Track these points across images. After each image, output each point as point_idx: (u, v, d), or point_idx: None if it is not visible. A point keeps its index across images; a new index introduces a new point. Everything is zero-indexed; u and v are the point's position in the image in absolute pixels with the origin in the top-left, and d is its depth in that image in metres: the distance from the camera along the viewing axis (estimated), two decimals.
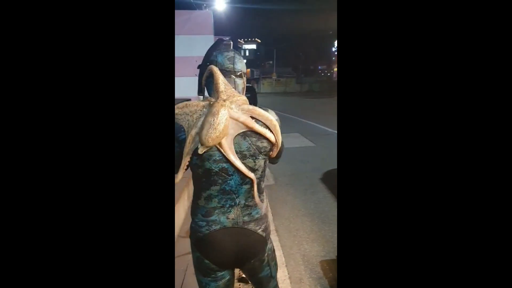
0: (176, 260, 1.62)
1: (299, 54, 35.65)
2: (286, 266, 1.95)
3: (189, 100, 5.59)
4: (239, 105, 0.81)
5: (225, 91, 0.80)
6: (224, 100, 0.79)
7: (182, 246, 1.75)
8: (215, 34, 7.82)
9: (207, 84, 0.87)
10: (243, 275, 1.65)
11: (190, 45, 7.32)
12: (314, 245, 2.20)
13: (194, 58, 7.25)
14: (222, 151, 0.79)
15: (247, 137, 0.82)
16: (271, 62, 34.22)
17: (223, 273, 0.91)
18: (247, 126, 0.80)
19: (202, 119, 0.79)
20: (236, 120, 0.79)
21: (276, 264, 1.01)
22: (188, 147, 0.79)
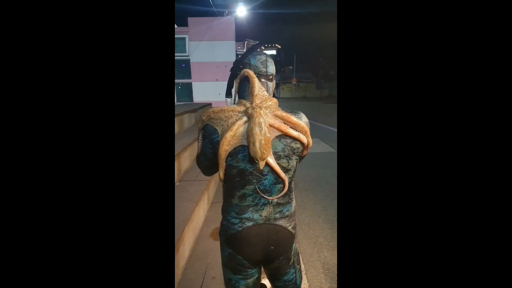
0: (195, 262, 1.62)
1: (319, 59, 35.39)
2: (305, 273, 1.90)
3: (209, 104, 5.68)
4: (273, 110, 0.84)
5: (259, 94, 0.84)
6: (260, 107, 0.83)
7: (202, 249, 1.75)
8: (236, 40, 7.95)
9: (240, 87, 0.90)
10: (262, 282, 1.63)
11: (212, 51, 7.48)
12: (334, 253, 2.14)
13: (215, 63, 7.40)
14: None
15: (282, 139, 0.85)
16: (291, 67, 34.20)
17: (253, 271, 0.93)
18: (282, 131, 0.84)
19: (239, 123, 0.83)
20: (272, 126, 0.83)
21: (300, 271, 1.01)
22: (222, 149, 0.82)
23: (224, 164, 0.84)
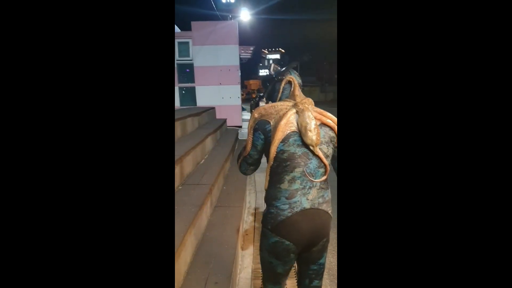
0: (197, 268, 1.60)
1: (323, 63, 35.41)
2: None
3: (213, 108, 5.68)
4: (312, 107, 1.05)
5: (299, 94, 1.08)
6: (302, 103, 1.04)
7: (204, 254, 1.73)
8: (240, 44, 7.97)
9: (284, 90, 1.14)
10: None
11: (215, 55, 7.51)
12: None
13: (219, 67, 7.43)
14: None
15: (322, 127, 1.03)
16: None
17: (294, 257, 1.05)
18: (321, 121, 1.04)
19: (290, 113, 1.02)
20: (315, 117, 1.01)
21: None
22: (277, 137, 0.99)
23: (275, 151, 0.99)
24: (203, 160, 3.21)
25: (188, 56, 6.86)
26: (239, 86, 7.47)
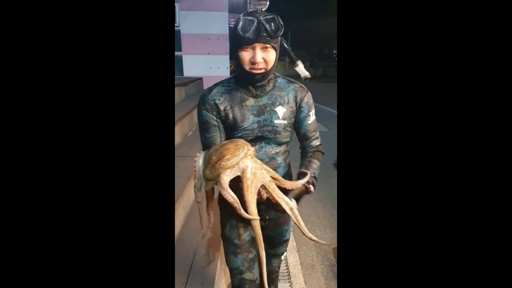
0: (186, 239, 1.59)
1: (314, 37, 34.66)
2: (297, 251, 1.90)
3: (200, 79, 5.47)
4: None
5: None
6: None
7: (193, 226, 1.71)
8: (230, 11, 7.59)
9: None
10: None
11: (204, 22, 7.13)
12: (326, 231, 2.15)
13: (207, 36, 7.08)
14: None
15: None
16: (285, 44, 33.36)
17: None
18: None
19: None
20: None
21: None
22: None
23: None
24: (191, 132, 3.13)
25: (175, 22, 6.46)
26: (227, 57, 7.18)
